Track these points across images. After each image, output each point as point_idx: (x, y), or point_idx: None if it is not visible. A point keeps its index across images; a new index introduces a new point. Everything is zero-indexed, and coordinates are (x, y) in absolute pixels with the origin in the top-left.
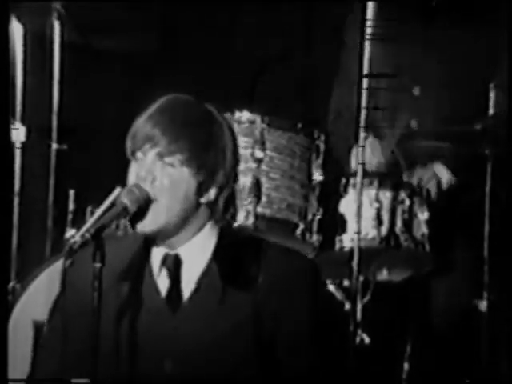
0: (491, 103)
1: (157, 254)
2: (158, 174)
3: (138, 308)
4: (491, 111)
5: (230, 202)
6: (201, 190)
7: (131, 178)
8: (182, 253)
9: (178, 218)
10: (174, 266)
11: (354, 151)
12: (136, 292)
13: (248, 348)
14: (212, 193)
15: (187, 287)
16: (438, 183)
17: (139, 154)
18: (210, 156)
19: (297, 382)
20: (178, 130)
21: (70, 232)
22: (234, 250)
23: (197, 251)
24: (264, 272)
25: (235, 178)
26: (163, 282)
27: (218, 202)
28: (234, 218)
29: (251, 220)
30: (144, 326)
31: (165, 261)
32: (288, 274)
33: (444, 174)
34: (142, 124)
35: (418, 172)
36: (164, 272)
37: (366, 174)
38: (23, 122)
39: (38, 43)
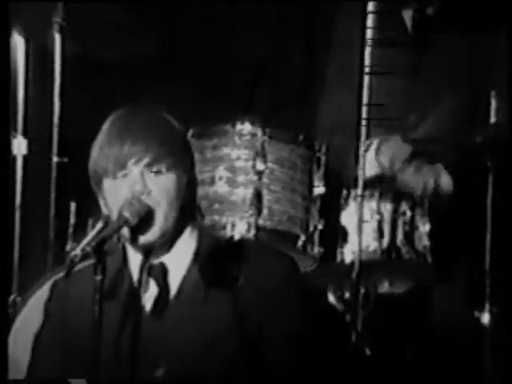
0: (492, 111)
1: (137, 264)
2: (151, 185)
3: (126, 322)
4: (492, 120)
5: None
6: (186, 192)
7: (120, 195)
8: (166, 260)
9: (174, 224)
10: (160, 275)
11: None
12: (122, 306)
13: (235, 348)
14: (193, 194)
15: (171, 292)
16: (437, 186)
17: (121, 173)
18: (186, 157)
19: (284, 379)
20: (156, 137)
21: (71, 245)
22: (213, 251)
23: (179, 256)
24: (245, 271)
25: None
26: (149, 292)
27: (196, 202)
28: (202, 217)
29: (252, 232)
30: (133, 337)
31: (150, 271)
32: (268, 272)
33: (444, 176)
34: (116, 145)
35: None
36: (150, 282)
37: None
38: (24, 134)
39: (39, 56)
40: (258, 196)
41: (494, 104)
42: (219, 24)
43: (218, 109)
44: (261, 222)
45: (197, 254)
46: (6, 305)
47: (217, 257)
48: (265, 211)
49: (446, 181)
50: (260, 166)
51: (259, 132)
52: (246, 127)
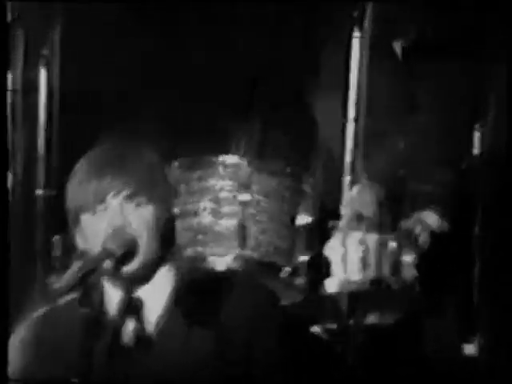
0: (476, 144)
1: (116, 298)
2: (131, 217)
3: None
4: (476, 152)
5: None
6: (165, 224)
7: (100, 229)
8: (143, 294)
9: (154, 256)
10: (136, 308)
11: (346, 195)
12: (103, 341)
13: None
14: (170, 226)
15: (150, 327)
16: (431, 232)
17: (101, 207)
18: (165, 189)
19: None
20: (135, 170)
21: (55, 278)
22: (192, 285)
23: (157, 290)
24: (224, 305)
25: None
26: (128, 327)
27: (173, 234)
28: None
29: (238, 263)
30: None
31: (127, 305)
32: (246, 305)
33: (435, 222)
34: (95, 180)
35: (407, 223)
36: (127, 316)
37: (359, 218)
38: (9, 168)
39: (26, 89)
40: (242, 227)
41: (477, 136)
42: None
43: (203, 140)
44: (247, 253)
45: (176, 288)
46: (6, 305)
47: (196, 290)
48: (251, 242)
49: (438, 227)
50: (245, 196)
51: (245, 163)
52: (230, 158)
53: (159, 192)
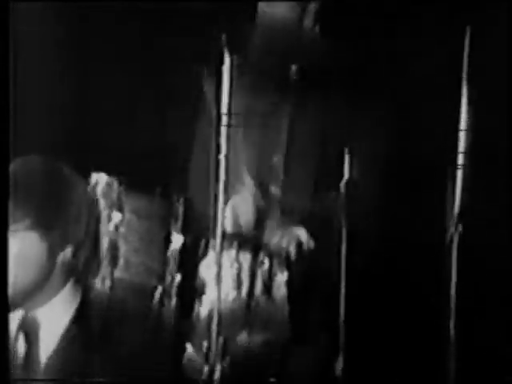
0: (346, 168)
1: (14, 317)
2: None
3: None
4: (346, 176)
5: (91, 260)
6: (54, 250)
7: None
8: (41, 315)
9: (33, 281)
10: (31, 329)
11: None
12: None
13: None
14: (68, 252)
15: (45, 351)
16: (299, 245)
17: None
18: (59, 215)
19: None
20: (22, 195)
21: None
22: (95, 312)
23: (56, 313)
24: (126, 335)
25: (95, 235)
26: (20, 347)
27: (76, 260)
28: (96, 275)
29: (108, 284)
30: None
31: (22, 324)
32: (148, 336)
33: (304, 237)
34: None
35: (278, 233)
36: (21, 336)
37: (231, 235)
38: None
39: None
40: (114, 247)
41: (346, 160)
42: None
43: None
44: (117, 273)
45: (78, 313)
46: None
47: (100, 317)
48: (121, 262)
49: (306, 242)
50: (116, 216)
51: (115, 182)
52: (101, 177)
53: (51, 218)
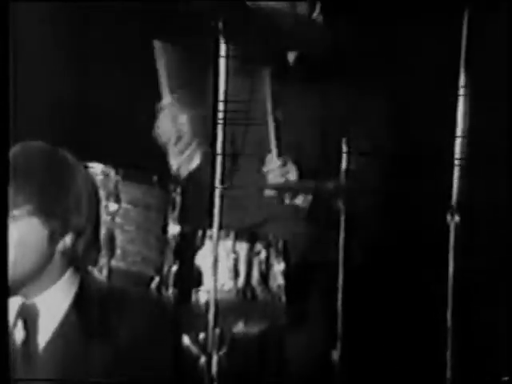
0: (344, 158)
1: (13, 304)
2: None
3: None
4: (344, 166)
5: (91, 248)
6: (54, 237)
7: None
8: (39, 302)
9: (32, 268)
10: (30, 316)
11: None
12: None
13: None
14: (68, 239)
15: (43, 337)
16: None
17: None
18: (60, 202)
19: None
20: (23, 181)
21: None
22: (94, 300)
23: (55, 300)
24: (125, 322)
25: (96, 223)
26: (19, 333)
27: (76, 248)
28: (95, 263)
29: (105, 273)
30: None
31: (20, 311)
32: (147, 323)
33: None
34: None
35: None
36: (20, 323)
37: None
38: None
39: None
40: (110, 237)
41: (344, 150)
42: None
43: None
44: (114, 263)
45: (76, 301)
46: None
47: (97, 306)
48: (118, 252)
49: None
50: (113, 206)
51: (112, 172)
52: (98, 167)
53: (53, 205)
